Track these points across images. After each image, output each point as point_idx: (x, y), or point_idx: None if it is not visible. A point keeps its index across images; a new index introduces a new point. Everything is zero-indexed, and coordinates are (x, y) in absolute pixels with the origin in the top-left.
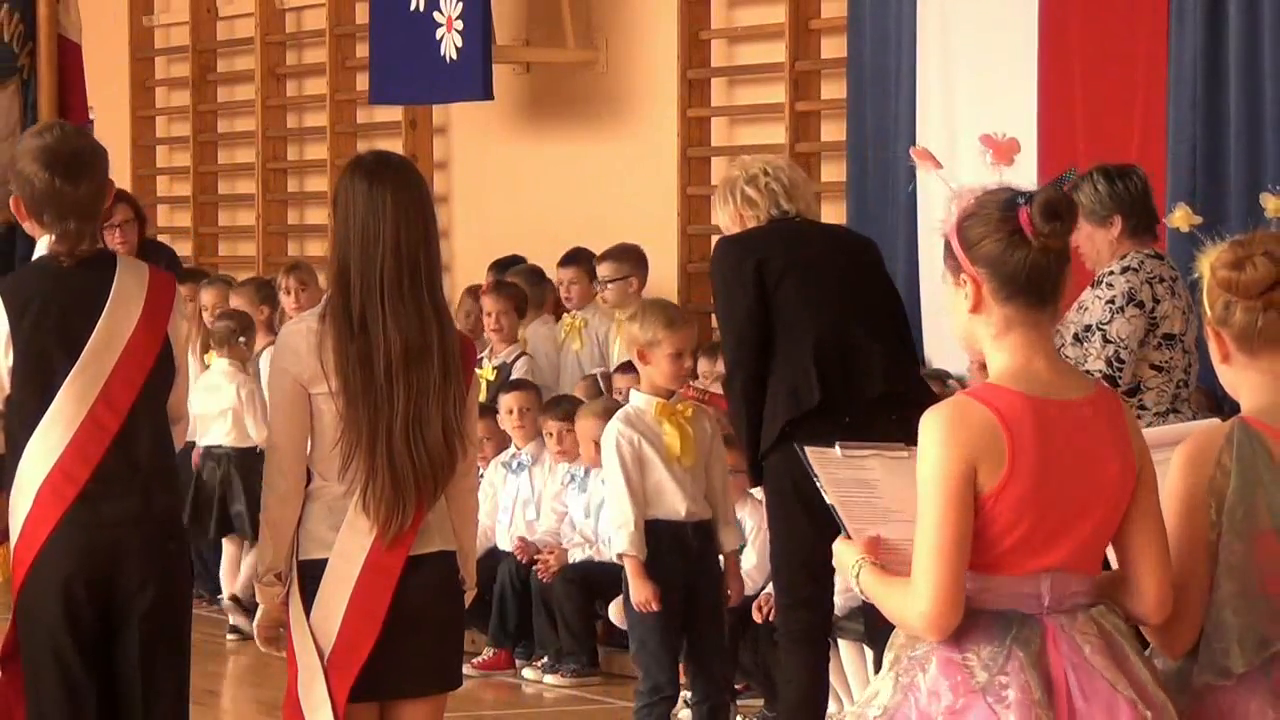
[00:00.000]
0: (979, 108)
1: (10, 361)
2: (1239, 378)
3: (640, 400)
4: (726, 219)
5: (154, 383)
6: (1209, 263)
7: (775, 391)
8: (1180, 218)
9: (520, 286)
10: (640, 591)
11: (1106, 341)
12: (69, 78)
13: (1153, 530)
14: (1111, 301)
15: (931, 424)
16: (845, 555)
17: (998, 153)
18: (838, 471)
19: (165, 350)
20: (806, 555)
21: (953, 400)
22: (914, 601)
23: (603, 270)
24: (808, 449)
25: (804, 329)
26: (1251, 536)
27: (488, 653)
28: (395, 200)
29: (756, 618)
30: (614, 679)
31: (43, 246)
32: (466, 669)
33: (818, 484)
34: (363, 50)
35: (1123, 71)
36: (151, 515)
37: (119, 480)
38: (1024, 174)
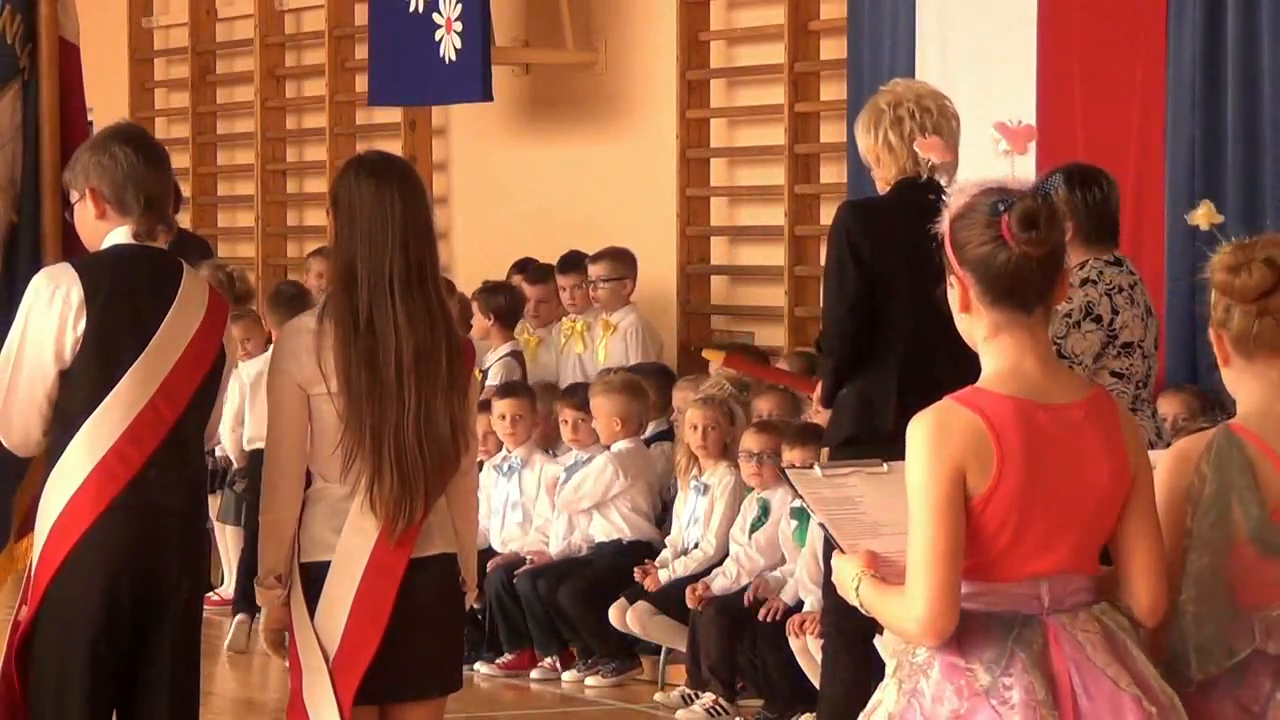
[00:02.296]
0: (978, 109)
1: (79, 333)
2: (1236, 381)
3: None
4: (863, 147)
5: (206, 388)
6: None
7: (852, 392)
8: (1202, 215)
9: (500, 290)
10: None
11: (1061, 356)
12: (68, 80)
13: (1147, 533)
14: (1069, 315)
15: (918, 430)
16: (845, 570)
17: (1012, 139)
18: (821, 490)
19: (219, 362)
20: None
21: (939, 405)
22: (910, 607)
23: (596, 271)
24: (789, 471)
25: (897, 339)
26: (1223, 545)
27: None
28: (404, 201)
29: (764, 617)
30: (620, 678)
31: (116, 237)
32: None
33: (804, 504)
34: (362, 51)
35: (1122, 72)
36: (192, 512)
37: (169, 470)
38: (1023, 176)
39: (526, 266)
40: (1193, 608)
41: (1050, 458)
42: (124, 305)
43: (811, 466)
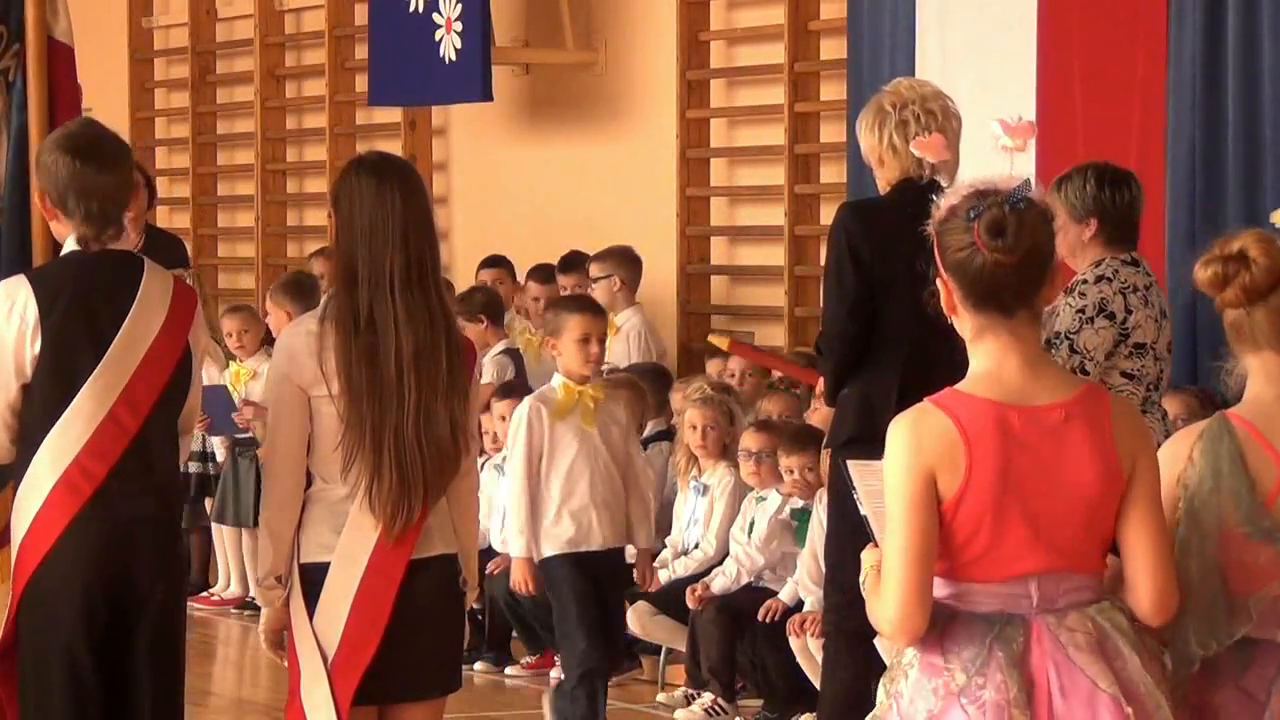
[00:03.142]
0: (978, 109)
1: (36, 350)
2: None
3: None
4: (865, 147)
5: (172, 389)
6: None
7: (854, 393)
8: None
9: (485, 293)
10: None
11: (1073, 351)
12: (60, 81)
13: (1147, 531)
14: (1082, 311)
15: (894, 433)
16: (865, 562)
17: (1013, 136)
18: (877, 483)
19: (185, 359)
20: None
21: (915, 408)
22: (882, 607)
23: (591, 271)
24: (850, 463)
25: (898, 339)
26: (1213, 530)
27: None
28: (404, 199)
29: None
30: (620, 678)
31: (71, 244)
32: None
33: (855, 497)
34: (362, 51)
35: (1122, 73)
36: (163, 517)
37: (134, 480)
38: (1022, 173)
39: (497, 263)
40: (1190, 589)
41: (1024, 460)
42: (80, 317)
43: (875, 458)
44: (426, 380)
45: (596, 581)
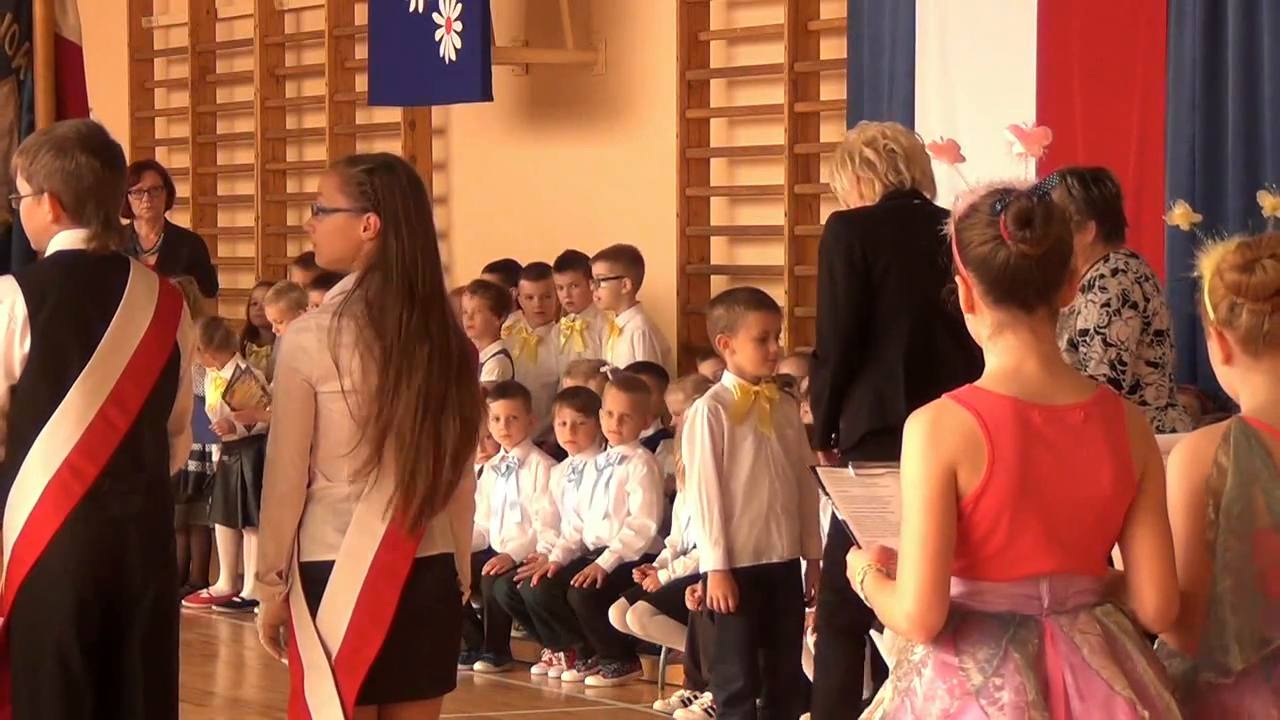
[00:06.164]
0: (977, 109)
1: (25, 350)
2: (1241, 379)
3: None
4: (845, 183)
5: (161, 388)
6: (1214, 263)
7: (862, 395)
8: (1180, 215)
9: (498, 286)
10: None
11: (1108, 345)
12: (68, 79)
13: (1155, 537)
14: (1107, 305)
15: (913, 427)
16: (855, 563)
17: (1026, 142)
18: (850, 489)
19: (173, 358)
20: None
21: (935, 403)
22: (899, 602)
23: (597, 269)
24: (819, 470)
25: (899, 332)
26: (1249, 534)
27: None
28: (415, 201)
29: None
30: (620, 678)
31: (62, 242)
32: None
33: (829, 501)
34: (362, 51)
35: (1122, 73)
36: (154, 516)
37: (125, 480)
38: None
39: (502, 268)
40: (1230, 597)
41: (1044, 459)
42: (69, 317)
43: (846, 466)
44: (437, 382)
45: (773, 599)
